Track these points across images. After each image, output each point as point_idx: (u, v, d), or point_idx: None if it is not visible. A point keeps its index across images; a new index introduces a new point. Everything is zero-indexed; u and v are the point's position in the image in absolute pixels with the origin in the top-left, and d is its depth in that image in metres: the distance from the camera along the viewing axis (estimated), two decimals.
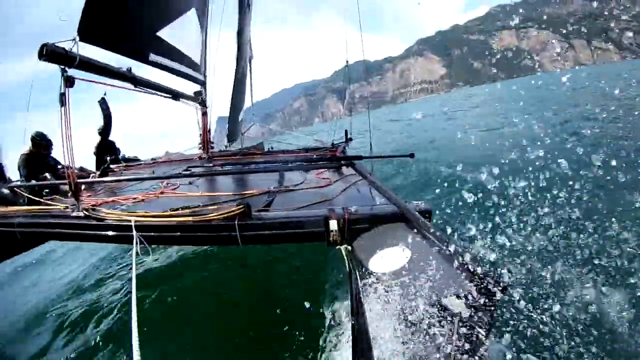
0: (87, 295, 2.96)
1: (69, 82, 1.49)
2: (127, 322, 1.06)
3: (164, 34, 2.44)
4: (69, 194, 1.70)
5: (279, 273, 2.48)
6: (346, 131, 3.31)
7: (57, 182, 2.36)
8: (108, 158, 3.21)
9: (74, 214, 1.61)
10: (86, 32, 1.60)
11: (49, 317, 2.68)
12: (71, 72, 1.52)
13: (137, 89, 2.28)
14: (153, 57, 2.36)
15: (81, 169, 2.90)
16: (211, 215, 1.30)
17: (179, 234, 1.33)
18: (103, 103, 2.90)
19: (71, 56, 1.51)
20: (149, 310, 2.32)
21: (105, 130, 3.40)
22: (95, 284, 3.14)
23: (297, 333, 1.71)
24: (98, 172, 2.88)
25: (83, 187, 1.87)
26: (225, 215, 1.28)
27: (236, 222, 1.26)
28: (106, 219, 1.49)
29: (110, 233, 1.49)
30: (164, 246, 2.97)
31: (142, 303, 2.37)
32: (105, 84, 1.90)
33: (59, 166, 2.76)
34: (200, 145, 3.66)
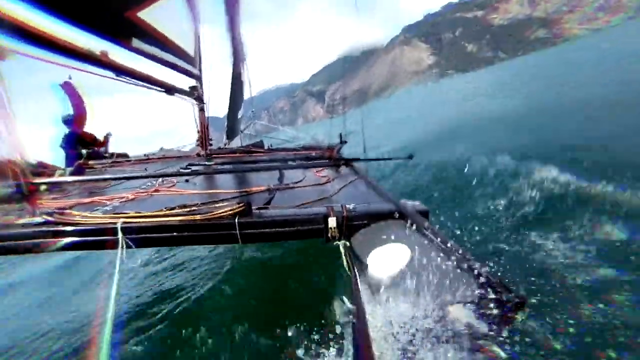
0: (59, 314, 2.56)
1: None
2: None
3: (148, 16, 2.13)
4: (13, 198, 1.42)
5: (277, 271, 2.45)
6: (340, 134, 3.48)
7: None
8: (84, 151, 2.75)
9: (24, 220, 1.32)
10: None
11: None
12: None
13: (120, 78, 1.98)
14: (137, 43, 2.05)
15: (41, 165, 2.36)
16: (211, 213, 1.26)
17: (175, 234, 1.26)
18: (68, 87, 2.52)
19: None
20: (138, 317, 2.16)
21: (75, 119, 2.91)
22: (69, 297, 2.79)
23: (294, 330, 1.71)
24: (69, 170, 2.47)
25: (44, 187, 1.55)
26: (225, 213, 1.24)
27: (236, 220, 1.23)
28: (81, 223, 1.26)
29: (88, 239, 1.27)
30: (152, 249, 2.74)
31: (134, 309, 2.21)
32: (74, 68, 1.56)
33: None
34: (198, 143, 3.40)
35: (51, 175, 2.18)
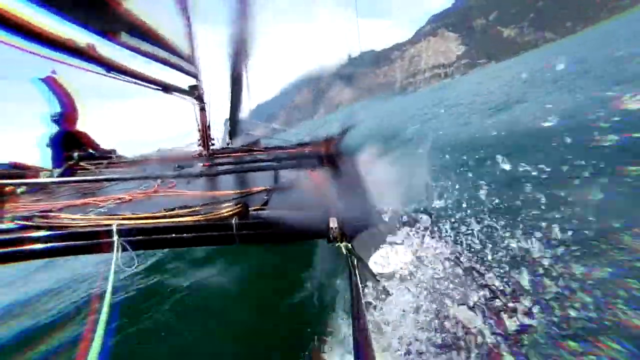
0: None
1: None
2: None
3: (137, 9, 2.15)
4: None
5: (276, 271, 2.49)
6: (343, 123, 3.29)
7: None
8: (76, 154, 2.73)
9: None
10: None
11: None
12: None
13: (111, 75, 2.01)
14: (127, 37, 2.08)
15: (15, 166, 2.30)
16: (208, 215, 1.30)
17: (173, 235, 1.28)
18: (51, 82, 2.56)
19: None
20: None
21: (64, 117, 2.88)
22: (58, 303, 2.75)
23: (294, 330, 1.76)
24: (57, 172, 2.44)
25: (21, 189, 1.55)
26: (222, 214, 1.28)
27: (234, 221, 1.26)
28: (69, 226, 1.25)
29: (78, 242, 1.26)
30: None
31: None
32: (58, 61, 1.57)
33: None
34: (200, 143, 3.45)
35: (34, 177, 2.20)
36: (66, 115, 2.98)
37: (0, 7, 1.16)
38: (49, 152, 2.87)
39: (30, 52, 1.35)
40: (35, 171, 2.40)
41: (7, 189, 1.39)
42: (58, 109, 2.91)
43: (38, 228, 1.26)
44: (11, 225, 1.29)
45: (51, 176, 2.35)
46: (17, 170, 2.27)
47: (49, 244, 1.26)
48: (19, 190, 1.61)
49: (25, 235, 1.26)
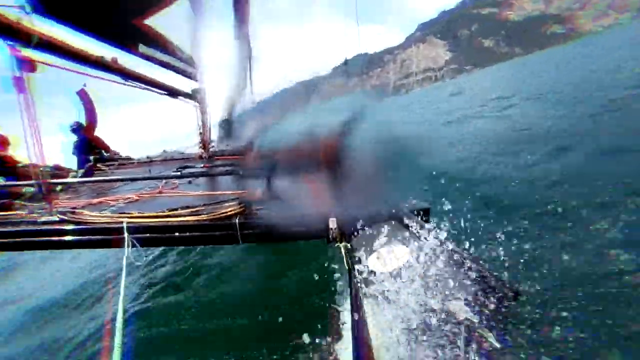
0: (69, 311, 2.70)
1: (30, 65, 1.28)
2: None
3: (154, 22, 2.36)
4: (35, 197, 1.63)
5: (277, 271, 2.56)
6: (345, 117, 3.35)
7: (23, 183, 2.03)
8: (92, 157, 3.04)
9: (44, 218, 1.52)
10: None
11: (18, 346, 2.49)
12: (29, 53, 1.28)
13: (127, 83, 2.20)
14: (144, 48, 2.28)
15: (57, 168, 2.69)
16: (211, 214, 1.36)
17: (177, 234, 1.38)
18: (83, 95, 2.76)
19: (26, 32, 1.26)
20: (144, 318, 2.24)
21: (87, 125, 3.21)
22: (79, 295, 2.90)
23: (295, 329, 1.78)
24: (80, 172, 2.74)
25: (59, 188, 1.74)
26: (225, 214, 1.34)
27: (237, 221, 1.32)
28: (90, 222, 1.43)
29: (96, 237, 1.43)
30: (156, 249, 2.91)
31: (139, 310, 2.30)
32: (87, 74, 1.78)
33: (19, 164, 2.43)
34: (200, 145, 3.61)
35: (66, 177, 2.49)
36: (90, 124, 3.24)
37: (55, 38, 1.36)
38: (73, 157, 3.18)
39: (73, 71, 1.55)
40: (68, 172, 2.73)
41: (54, 187, 1.61)
42: (83, 118, 3.19)
43: (69, 222, 1.46)
44: (55, 218, 1.49)
45: (76, 176, 2.59)
46: (57, 172, 2.57)
47: (76, 237, 1.46)
48: (58, 188, 1.81)
49: (62, 227, 1.46)
